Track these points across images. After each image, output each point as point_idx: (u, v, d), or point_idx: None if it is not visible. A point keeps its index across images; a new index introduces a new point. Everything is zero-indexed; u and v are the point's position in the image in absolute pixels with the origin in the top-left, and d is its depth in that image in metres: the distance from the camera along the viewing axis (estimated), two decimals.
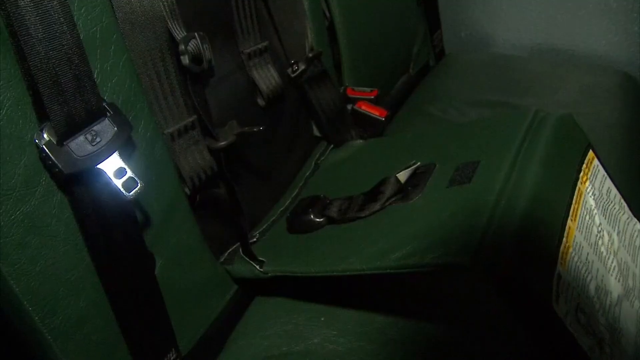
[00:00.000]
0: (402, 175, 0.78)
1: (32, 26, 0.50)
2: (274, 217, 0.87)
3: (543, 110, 0.82)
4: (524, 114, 0.82)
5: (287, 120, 0.93)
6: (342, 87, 1.02)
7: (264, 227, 0.85)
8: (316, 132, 1.01)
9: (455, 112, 1.20)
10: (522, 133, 0.77)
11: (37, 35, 0.51)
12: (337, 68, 1.04)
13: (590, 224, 0.72)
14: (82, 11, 0.57)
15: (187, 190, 0.72)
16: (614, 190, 0.81)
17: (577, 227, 0.70)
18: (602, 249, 0.73)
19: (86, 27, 0.57)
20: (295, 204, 0.88)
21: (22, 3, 0.50)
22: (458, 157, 0.78)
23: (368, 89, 1.01)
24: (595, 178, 0.78)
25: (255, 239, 0.83)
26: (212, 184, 0.75)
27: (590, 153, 0.79)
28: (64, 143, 0.54)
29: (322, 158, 0.98)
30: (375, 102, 1.00)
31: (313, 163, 0.96)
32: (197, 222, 0.73)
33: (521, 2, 1.44)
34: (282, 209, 0.88)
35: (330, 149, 0.99)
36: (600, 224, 0.75)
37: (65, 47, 0.53)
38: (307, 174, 0.94)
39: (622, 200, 0.82)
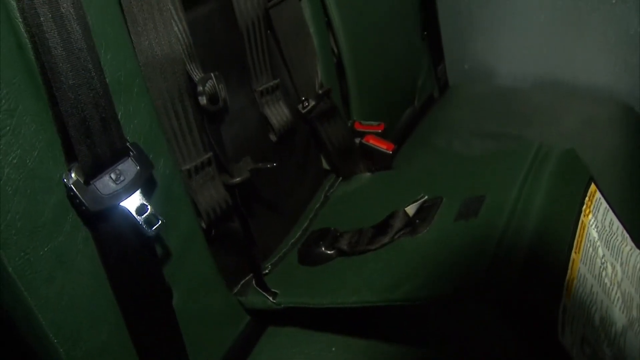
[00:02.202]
0: (410, 209, 0.80)
1: (64, 74, 0.54)
2: (285, 249, 0.89)
3: (546, 144, 0.85)
4: (527, 148, 0.85)
5: (297, 154, 0.96)
6: (350, 121, 1.05)
7: (276, 258, 0.87)
8: (325, 165, 1.03)
9: (460, 144, 1.23)
10: (526, 167, 0.79)
11: (69, 82, 0.54)
12: (345, 102, 1.07)
13: (593, 256, 0.75)
14: (108, 57, 0.60)
15: (203, 224, 0.74)
16: (616, 222, 0.84)
17: (581, 259, 0.72)
18: (606, 280, 0.75)
19: (112, 72, 0.60)
20: (305, 236, 0.90)
21: (56, 52, 0.53)
22: (464, 191, 0.81)
23: (375, 123, 1.04)
24: (598, 211, 0.80)
25: (267, 271, 0.85)
26: (227, 218, 0.78)
27: (593, 186, 0.81)
28: (91, 182, 0.57)
29: (332, 190, 1.00)
30: (383, 135, 1.03)
31: (322, 195, 0.99)
32: (212, 255, 0.76)
33: (522, 35, 1.48)
34: (292, 240, 0.90)
35: (339, 181, 1.02)
36: (603, 255, 0.77)
37: (94, 92, 0.56)
38: (317, 206, 0.97)
39: (625, 232, 0.84)
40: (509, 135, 1.23)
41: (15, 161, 0.53)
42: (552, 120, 1.30)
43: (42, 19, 0.52)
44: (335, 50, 1.04)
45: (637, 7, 1.31)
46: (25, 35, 0.53)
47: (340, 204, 0.97)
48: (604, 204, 0.83)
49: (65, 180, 0.56)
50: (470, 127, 1.29)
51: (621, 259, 0.80)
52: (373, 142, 1.01)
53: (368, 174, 1.02)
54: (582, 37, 1.42)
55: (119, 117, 0.61)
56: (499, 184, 0.79)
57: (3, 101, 0.51)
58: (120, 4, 0.64)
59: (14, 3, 0.52)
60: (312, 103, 0.93)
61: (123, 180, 0.59)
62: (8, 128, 0.52)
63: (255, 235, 0.82)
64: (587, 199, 0.79)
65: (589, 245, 0.75)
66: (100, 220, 0.59)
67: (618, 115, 1.31)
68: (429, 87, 1.42)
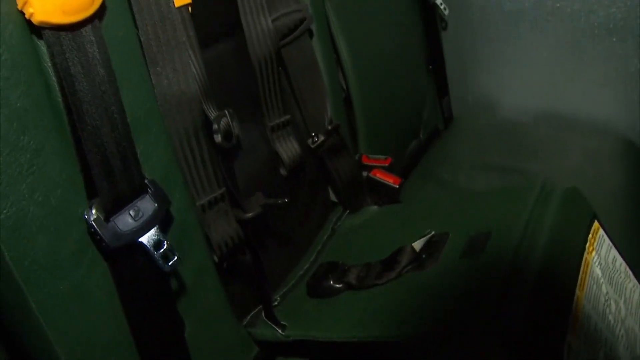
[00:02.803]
0: (417, 244, 0.82)
1: (89, 115, 0.56)
2: (293, 281, 0.90)
3: (550, 181, 0.87)
4: (531, 185, 0.87)
5: (305, 187, 0.98)
6: (358, 155, 1.08)
7: (284, 290, 0.89)
8: (333, 197, 1.05)
9: (465, 177, 1.25)
10: (531, 205, 0.81)
11: (93, 123, 0.56)
12: (353, 136, 1.09)
13: (597, 293, 0.76)
14: (129, 97, 0.62)
15: (215, 257, 0.76)
16: (619, 259, 0.85)
17: (585, 297, 0.73)
18: (610, 317, 0.76)
19: (132, 111, 0.63)
20: (314, 268, 0.92)
21: (82, 95, 0.55)
22: (470, 227, 0.83)
23: (382, 157, 1.07)
24: (601, 248, 0.82)
25: (276, 302, 0.86)
26: (238, 251, 0.80)
27: (596, 224, 0.83)
28: (110, 219, 0.59)
29: (339, 223, 1.02)
30: (389, 169, 1.05)
31: (330, 228, 1.01)
32: (223, 287, 0.77)
33: (525, 69, 1.51)
34: (301, 272, 0.92)
35: (346, 214, 1.04)
36: (607, 292, 0.79)
37: (116, 131, 0.59)
38: (325, 238, 0.99)
39: (627, 269, 0.86)
40: (513, 169, 1.26)
41: (40, 199, 0.55)
42: (555, 154, 1.33)
43: (70, 63, 0.55)
44: (344, 85, 1.06)
45: (636, 45, 1.34)
46: (53, 78, 0.56)
47: (348, 236, 0.99)
48: (607, 241, 0.84)
49: (86, 216, 0.58)
50: (475, 160, 1.31)
51: (624, 295, 0.81)
52: (380, 176, 1.03)
53: (375, 207, 1.03)
54: (583, 73, 1.45)
55: (138, 154, 0.63)
56: (504, 221, 0.81)
57: (31, 142, 0.53)
58: (141, 46, 0.66)
59: (44, 48, 0.54)
60: (322, 138, 0.95)
61: (141, 217, 0.61)
62: (34, 167, 0.54)
63: (264, 267, 0.84)
64: (590, 236, 0.81)
65: (592, 282, 0.76)
66: (118, 255, 0.61)
67: (619, 149, 1.34)
68: (434, 120, 1.45)
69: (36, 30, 0.53)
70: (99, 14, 0.57)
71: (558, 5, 1.39)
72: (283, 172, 0.90)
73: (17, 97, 0.52)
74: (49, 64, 0.55)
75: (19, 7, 0.52)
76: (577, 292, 0.72)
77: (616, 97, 1.43)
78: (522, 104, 1.55)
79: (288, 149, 0.90)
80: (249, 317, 0.84)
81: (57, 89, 0.56)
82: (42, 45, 0.54)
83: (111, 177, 0.59)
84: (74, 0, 0.53)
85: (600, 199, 1.07)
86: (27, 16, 0.52)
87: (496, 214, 0.85)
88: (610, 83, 1.42)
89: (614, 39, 1.36)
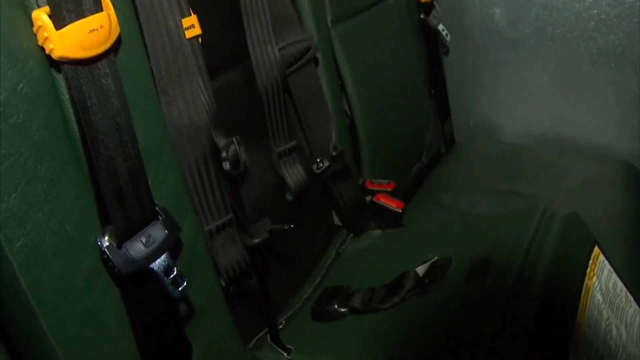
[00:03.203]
0: (421, 269, 0.83)
1: (104, 145, 0.58)
2: (298, 304, 0.92)
3: (550, 207, 0.89)
4: (533, 211, 0.88)
5: (310, 211, 1.00)
6: (362, 179, 1.10)
7: (289, 314, 0.90)
8: (337, 221, 1.07)
9: (466, 201, 1.27)
10: (532, 231, 0.83)
11: (107, 153, 0.58)
12: (357, 160, 1.11)
13: (598, 319, 0.77)
14: (141, 127, 0.64)
15: (222, 282, 0.77)
16: (620, 284, 0.86)
17: (586, 322, 0.74)
18: (611, 343, 0.77)
19: (144, 141, 0.65)
20: (318, 292, 0.93)
21: (97, 125, 0.57)
22: (472, 252, 0.84)
23: (385, 182, 1.09)
24: (602, 273, 0.83)
25: (281, 326, 0.88)
26: (245, 275, 0.81)
27: (596, 249, 0.85)
28: (123, 245, 0.61)
29: (343, 247, 1.04)
30: (392, 193, 1.07)
31: (334, 252, 1.02)
32: (230, 311, 0.78)
33: (526, 94, 1.54)
34: (306, 296, 0.93)
35: (350, 238, 1.05)
36: (608, 318, 0.80)
37: (129, 161, 0.60)
38: (329, 262, 1.00)
39: (628, 294, 0.87)
40: (514, 193, 1.27)
41: (55, 227, 0.56)
42: (556, 178, 1.34)
43: (86, 95, 0.57)
44: (348, 111, 1.08)
45: (635, 71, 1.37)
46: (70, 110, 0.58)
47: (352, 260, 1.00)
48: (608, 266, 0.86)
49: (99, 243, 0.60)
50: (476, 183, 1.33)
51: (625, 321, 0.83)
52: (383, 200, 1.05)
53: (378, 231, 1.05)
54: (583, 98, 1.47)
55: (149, 182, 0.65)
56: (505, 247, 0.83)
57: (48, 171, 0.55)
58: (153, 76, 0.69)
59: (62, 81, 0.56)
60: (327, 164, 0.97)
61: (152, 244, 0.63)
62: (51, 196, 0.56)
63: (270, 290, 0.85)
64: (591, 262, 0.82)
65: (593, 308, 0.77)
66: (129, 281, 0.62)
67: (620, 173, 1.36)
68: (436, 144, 1.47)
69: (55, 64, 0.55)
70: (115, 47, 0.59)
71: (558, 31, 1.42)
72: (289, 197, 0.92)
73: (36, 128, 0.54)
74: (66, 96, 0.57)
75: (40, 43, 0.54)
76: (579, 317, 0.73)
77: (616, 122, 1.46)
78: (523, 127, 1.57)
79: (294, 174, 0.92)
80: (254, 341, 0.85)
81: (73, 120, 0.58)
82: (60, 78, 0.56)
83: (124, 204, 0.60)
84: (92, 35, 0.55)
85: (601, 223, 1.09)
86: (47, 51, 0.54)
87: (498, 240, 0.86)
88: (609, 108, 1.45)
89: (613, 65, 1.39)
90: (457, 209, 1.23)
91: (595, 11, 1.36)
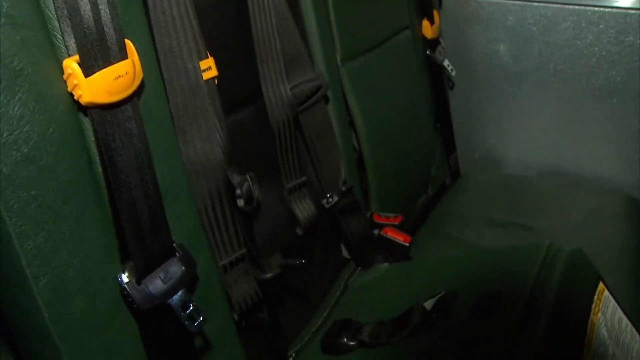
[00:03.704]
0: (428, 304, 0.85)
1: (127, 185, 0.60)
2: (307, 337, 0.93)
3: (555, 241, 0.91)
4: (538, 247, 0.90)
5: (319, 244, 1.02)
6: (369, 213, 1.12)
7: (298, 346, 0.92)
8: (345, 254, 1.09)
9: (472, 233, 1.29)
10: (537, 267, 0.85)
11: (130, 193, 0.61)
12: (364, 194, 1.14)
13: (604, 355, 0.79)
14: (160, 167, 0.67)
15: (235, 316, 0.79)
16: (625, 320, 0.88)
17: (592, 358, 0.76)
18: None
19: (162, 179, 0.67)
20: (327, 324, 0.94)
21: (121, 167, 0.60)
22: (479, 287, 0.86)
23: (392, 215, 1.11)
24: (607, 309, 0.85)
25: (291, 359, 0.89)
26: (257, 309, 0.83)
27: (601, 285, 0.86)
28: (142, 282, 0.63)
29: (351, 280, 1.05)
30: (400, 227, 1.09)
31: (342, 284, 1.04)
32: (242, 344, 0.80)
33: (530, 127, 1.57)
34: (314, 329, 0.95)
35: (358, 270, 1.07)
36: (613, 354, 0.81)
37: (149, 200, 0.63)
38: (337, 294, 1.02)
39: (633, 330, 0.88)
40: (518, 226, 1.29)
41: (78, 264, 0.58)
42: (559, 211, 1.36)
43: (110, 138, 0.59)
44: (356, 146, 1.11)
45: (636, 107, 1.40)
46: (95, 152, 0.60)
47: (360, 293, 1.02)
48: (612, 302, 0.87)
49: (119, 279, 0.62)
50: (481, 215, 1.35)
51: (631, 357, 0.84)
52: (391, 234, 1.07)
53: (386, 265, 1.07)
54: (585, 132, 1.50)
55: (167, 219, 0.67)
56: (511, 282, 0.84)
57: (73, 211, 0.58)
58: (171, 116, 0.71)
59: (87, 125, 0.59)
60: (336, 199, 0.99)
61: (170, 280, 0.64)
62: (75, 235, 0.58)
63: (281, 323, 0.87)
64: (596, 297, 0.84)
65: (599, 344, 0.79)
66: (147, 316, 0.64)
67: (623, 206, 1.37)
68: (441, 175, 1.49)
69: (82, 108, 0.58)
70: (138, 91, 0.62)
71: (560, 67, 1.45)
72: (299, 231, 0.94)
73: (63, 170, 0.57)
74: (92, 139, 0.60)
75: (69, 89, 0.56)
76: (585, 353, 0.75)
77: (618, 155, 1.48)
78: (527, 160, 1.60)
79: (304, 209, 0.94)
80: None
81: (97, 161, 0.61)
82: (86, 122, 0.59)
83: (143, 242, 0.63)
84: (117, 82, 0.58)
85: (605, 256, 1.10)
86: (75, 97, 0.56)
87: (504, 274, 0.88)
88: (612, 142, 1.47)
89: (615, 101, 1.42)
90: (463, 242, 1.25)
91: (597, 48, 1.39)
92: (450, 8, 1.53)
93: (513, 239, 1.24)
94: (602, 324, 0.82)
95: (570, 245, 0.89)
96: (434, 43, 1.41)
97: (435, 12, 1.40)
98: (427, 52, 1.41)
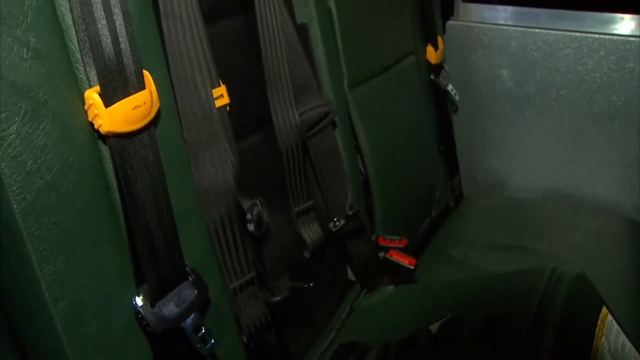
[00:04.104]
0: (434, 327, 0.86)
1: (142, 211, 0.62)
2: (314, 359, 0.94)
3: (558, 265, 0.92)
4: (541, 271, 0.92)
5: (326, 267, 1.03)
6: (374, 236, 1.13)
7: None
8: (351, 276, 1.10)
9: (476, 256, 1.30)
10: (541, 291, 0.86)
11: (145, 218, 0.62)
12: (370, 217, 1.15)
13: None
14: (174, 192, 0.68)
15: (244, 338, 0.80)
16: (629, 345, 0.89)
17: None
18: None
19: (176, 205, 0.69)
20: (333, 347, 0.95)
21: (138, 193, 0.62)
22: (484, 311, 0.87)
23: (397, 238, 1.12)
24: (610, 333, 0.86)
25: None
26: (265, 331, 0.84)
27: (604, 309, 0.87)
28: (156, 305, 0.64)
29: (357, 302, 1.07)
30: (405, 250, 1.10)
31: (348, 307, 1.05)
32: None
33: (532, 151, 1.59)
34: (321, 350, 0.96)
35: (363, 293, 1.09)
36: None
37: (164, 225, 0.64)
38: (343, 316, 1.03)
39: (637, 354, 0.89)
40: (521, 249, 1.31)
41: (95, 288, 0.60)
42: (561, 234, 1.38)
43: (127, 165, 0.61)
44: (362, 170, 1.13)
45: (636, 132, 1.42)
46: (112, 178, 0.62)
47: (366, 315, 1.03)
48: (616, 326, 0.88)
49: (134, 303, 0.63)
50: (485, 239, 1.36)
51: None
52: (396, 257, 1.09)
53: (391, 287, 1.08)
54: (587, 155, 1.53)
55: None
56: (515, 306, 0.86)
57: (91, 237, 0.59)
58: (185, 143, 0.73)
59: (106, 152, 0.61)
60: (342, 222, 1.01)
61: (183, 303, 0.66)
62: (92, 259, 0.60)
63: (288, 345, 0.88)
64: (599, 322, 0.85)
65: None
66: (160, 339, 0.65)
67: (624, 229, 1.39)
68: (445, 199, 1.51)
69: (101, 137, 0.60)
70: (155, 120, 0.64)
71: (562, 92, 1.48)
72: (306, 254, 0.96)
73: (83, 197, 0.59)
74: (110, 166, 0.62)
75: (90, 118, 0.59)
76: None
77: (619, 179, 1.50)
78: (529, 183, 1.62)
79: (311, 232, 0.96)
80: None
81: (115, 187, 0.62)
82: (105, 149, 0.61)
83: (157, 266, 0.64)
84: (136, 111, 0.60)
85: (607, 280, 1.11)
86: (95, 126, 0.59)
87: (508, 298, 0.89)
88: (612, 166, 1.49)
89: (616, 125, 1.45)
90: (467, 264, 1.26)
91: (597, 74, 1.42)
92: (454, 34, 1.56)
93: (516, 262, 1.25)
94: (606, 349, 0.83)
95: (573, 268, 0.91)
96: (438, 68, 1.44)
97: (439, 38, 1.43)
98: (431, 77, 1.43)
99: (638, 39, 1.36)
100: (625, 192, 1.50)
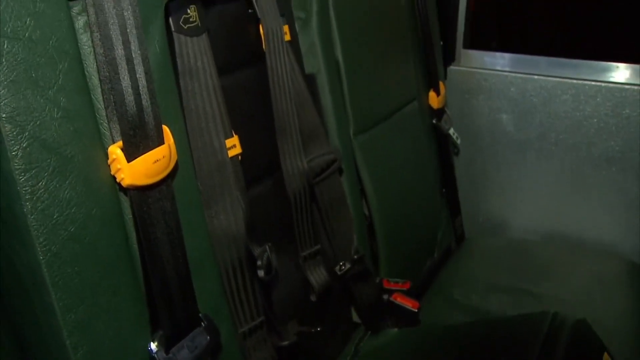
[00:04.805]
0: None
1: (160, 260, 0.65)
2: None
3: (559, 306, 0.94)
4: (543, 316, 0.94)
5: (331, 309, 1.05)
6: (379, 278, 1.15)
7: None
8: (356, 318, 1.12)
9: (478, 298, 1.32)
10: (543, 336, 0.88)
11: (162, 267, 0.65)
12: (374, 259, 1.18)
13: None
14: (189, 241, 0.71)
15: None
16: None
17: None
18: None
19: (190, 252, 0.71)
20: None
21: (156, 243, 0.64)
22: (487, 355, 0.89)
23: (401, 281, 1.14)
24: None
25: None
26: None
27: (606, 355, 0.89)
28: (170, 351, 0.66)
29: (361, 344, 1.08)
30: (408, 293, 1.12)
31: (353, 348, 1.07)
32: None
33: (533, 193, 1.62)
34: None
35: (368, 335, 1.10)
36: None
37: (179, 273, 0.67)
38: (348, 358, 1.04)
39: None
40: (523, 291, 1.32)
41: (112, 335, 0.62)
42: (563, 276, 1.39)
43: (146, 215, 0.64)
44: (367, 214, 1.16)
45: (635, 175, 1.45)
46: (132, 228, 0.65)
47: (370, 358, 1.04)
48: None
49: (150, 349, 0.66)
50: (487, 280, 1.38)
51: None
52: (400, 300, 1.11)
53: (395, 330, 1.10)
54: (586, 198, 1.55)
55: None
56: (518, 351, 0.88)
57: (110, 285, 0.62)
58: (199, 192, 0.76)
59: (126, 204, 0.64)
60: (348, 266, 1.03)
61: (196, 349, 0.68)
62: (111, 307, 0.62)
63: None
64: None
65: None
66: None
67: (624, 272, 1.41)
68: (447, 239, 1.53)
69: (122, 189, 0.63)
70: (172, 173, 0.67)
71: (561, 137, 1.52)
72: (313, 298, 0.98)
73: (103, 247, 0.61)
74: (129, 217, 0.65)
75: (112, 172, 0.62)
76: None
77: (618, 221, 1.53)
78: (530, 224, 1.65)
79: (318, 276, 0.98)
80: None
81: (134, 236, 0.65)
82: (125, 201, 0.64)
83: (173, 313, 0.67)
84: (155, 165, 0.63)
85: (608, 323, 1.13)
86: (118, 180, 0.62)
87: (510, 344, 0.91)
88: (612, 208, 1.52)
89: (614, 169, 1.48)
90: (470, 307, 1.28)
91: (595, 120, 1.46)
92: (456, 79, 1.61)
93: (518, 305, 1.27)
94: None
95: (574, 311, 0.93)
96: (440, 112, 1.48)
97: (441, 83, 1.47)
98: (434, 121, 1.47)
99: (633, 86, 1.40)
100: (624, 234, 1.52)
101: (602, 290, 1.33)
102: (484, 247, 1.57)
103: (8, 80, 0.53)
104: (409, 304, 1.10)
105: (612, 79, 1.43)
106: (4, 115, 0.53)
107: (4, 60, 0.53)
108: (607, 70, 1.45)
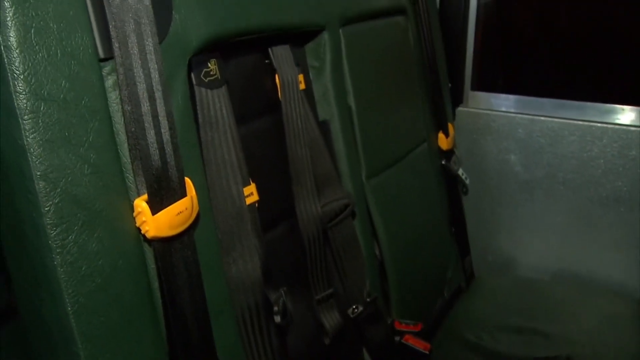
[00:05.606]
0: None
1: (182, 307, 0.67)
2: None
3: (570, 347, 0.94)
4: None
5: (343, 351, 1.06)
6: (390, 319, 1.17)
7: None
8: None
9: (489, 338, 1.32)
10: None
11: (184, 313, 0.67)
12: (386, 300, 1.19)
13: None
14: (208, 287, 0.73)
15: None
16: None
17: None
18: None
19: (210, 299, 0.73)
20: None
21: (176, 290, 0.66)
22: None
23: (412, 323, 1.15)
24: None
25: None
26: None
27: None
28: None
29: None
30: (419, 334, 1.13)
31: None
32: None
33: (541, 232, 1.63)
34: None
35: None
36: None
37: (199, 320, 0.69)
38: None
39: None
40: (534, 332, 1.33)
41: None
42: (573, 316, 1.40)
43: (168, 265, 0.66)
44: (379, 256, 1.18)
45: None
46: (154, 277, 0.67)
47: None
48: None
49: None
50: (497, 320, 1.39)
51: None
52: (412, 342, 1.11)
53: None
54: (595, 237, 1.57)
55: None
56: None
57: (134, 334, 0.64)
58: (218, 239, 0.79)
59: (150, 254, 0.66)
60: (361, 309, 1.05)
61: None
62: (133, 356, 0.64)
63: None
64: None
65: None
66: None
67: (635, 312, 1.41)
68: (457, 279, 1.54)
69: (146, 240, 0.66)
70: (194, 224, 0.69)
71: (568, 177, 1.54)
72: (326, 341, 0.99)
73: (128, 297, 0.63)
74: (152, 267, 0.67)
75: (137, 224, 0.64)
76: None
77: (627, 261, 1.54)
78: (539, 264, 1.66)
79: (331, 319, 0.99)
80: None
81: (156, 286, 0.67)
82: (148, 251, 0.67)
83: (192, 359, 0.68)
84: (178, 217, 0.66)
85: None
86: (142, 232, 0.64)
87: None
88: (621, 247, 1.53)
89: (622, 209, 1.49)
90: (480, 347, 1.28)
91: (602, 160, 1.48)
92: (464, 120, 1.64)
93: (529, 345, 1.28)
94: None
95: (585, 352, 0.93)
96: (449, 153, 1.51)
97: (450, 125, 1.51)
98: (443, 162, 1.50)
99: (639, 128, 1.43)
100: (633, 273, 1.53)
101: (612, 331, 1.33)
102: (494, 286, 1.58)
103: (43, 139, 0.56)
104: (420, 345, 1.11)
105: (617, 121, 1.46)
106: (38, 173, 0.56)
107: (40, 121, 0.56)
108: (613, 112, 1.48)
